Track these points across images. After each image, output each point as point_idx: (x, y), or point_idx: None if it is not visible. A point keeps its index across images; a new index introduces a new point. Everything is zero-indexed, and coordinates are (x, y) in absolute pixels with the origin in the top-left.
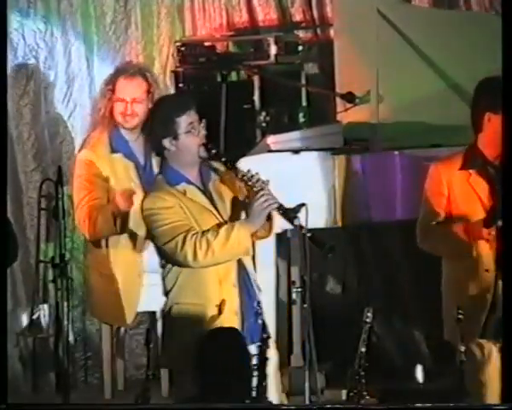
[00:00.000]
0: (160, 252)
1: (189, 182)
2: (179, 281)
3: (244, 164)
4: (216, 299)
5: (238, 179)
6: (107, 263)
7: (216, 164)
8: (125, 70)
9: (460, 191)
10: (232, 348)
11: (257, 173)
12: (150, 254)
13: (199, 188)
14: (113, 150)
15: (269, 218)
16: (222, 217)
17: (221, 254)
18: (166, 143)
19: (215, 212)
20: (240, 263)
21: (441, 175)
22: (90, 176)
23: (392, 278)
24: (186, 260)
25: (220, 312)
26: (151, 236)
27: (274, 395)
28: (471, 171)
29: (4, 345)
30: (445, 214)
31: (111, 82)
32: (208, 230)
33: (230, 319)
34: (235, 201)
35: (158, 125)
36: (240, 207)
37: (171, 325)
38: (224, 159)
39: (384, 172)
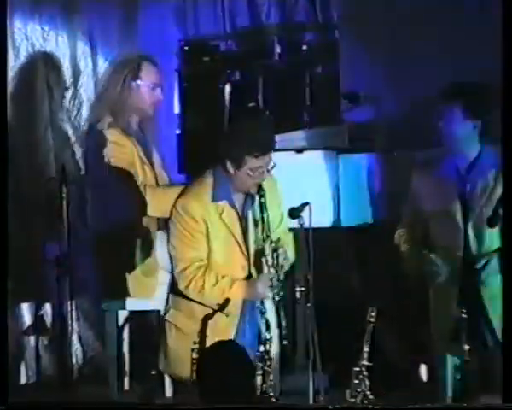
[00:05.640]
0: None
1: (232, 204)
2: None
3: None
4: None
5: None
6: None
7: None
8: (146, 57)
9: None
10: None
11: (283, 248)
12: (163, 252)
13: (237, 213)
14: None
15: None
16: (247, 251)
17: (210, 297)
18: (228, 165)
19: (242, 244)
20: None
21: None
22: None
23: (397, 278)
24: (178, 283)
25: (222, 308)
26: (168, 235)
27: (277, 394)
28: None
29: (4, 345)
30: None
31: (134, 67)
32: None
33: (235, 318)
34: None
35: (230, 145)
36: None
37: (170, 327)
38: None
39: (388, 172)
